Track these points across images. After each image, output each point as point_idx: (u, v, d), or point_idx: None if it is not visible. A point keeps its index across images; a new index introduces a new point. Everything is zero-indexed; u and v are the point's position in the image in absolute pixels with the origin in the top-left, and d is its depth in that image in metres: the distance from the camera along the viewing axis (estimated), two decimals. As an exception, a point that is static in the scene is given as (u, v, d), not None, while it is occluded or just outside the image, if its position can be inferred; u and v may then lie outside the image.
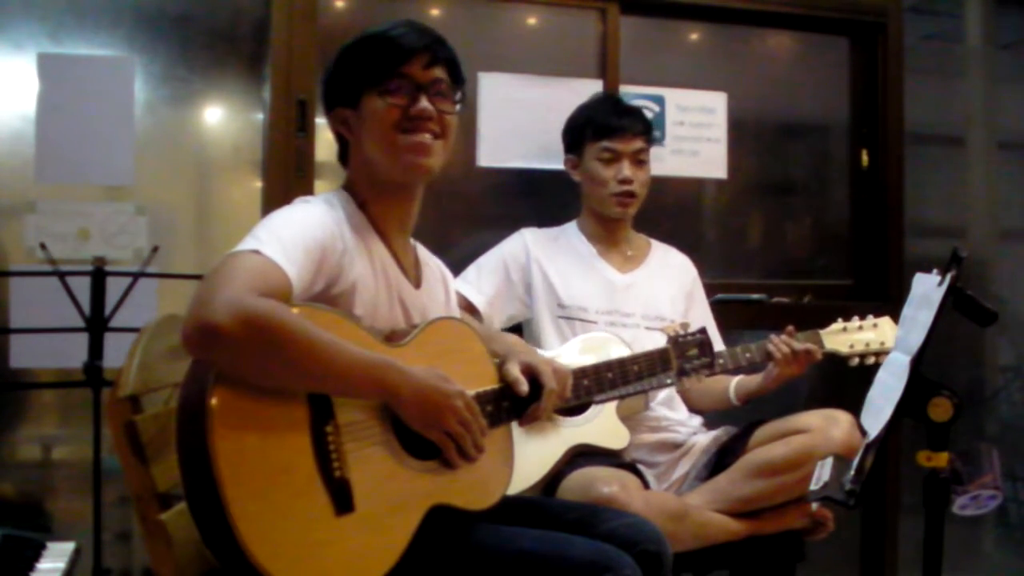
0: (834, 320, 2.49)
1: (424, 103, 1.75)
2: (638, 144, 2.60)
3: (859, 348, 2.43)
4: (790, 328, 2.42)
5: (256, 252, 1.50)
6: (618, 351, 2.34)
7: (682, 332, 2.29)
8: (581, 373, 2.00)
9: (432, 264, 1.98)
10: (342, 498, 1.51)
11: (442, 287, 1.98)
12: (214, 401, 1.41)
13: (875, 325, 2.46)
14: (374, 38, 1.77)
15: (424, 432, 1.62)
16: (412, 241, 1.92)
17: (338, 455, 1.52)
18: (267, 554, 1.41)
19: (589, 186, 2.64)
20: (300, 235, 1.58)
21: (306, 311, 1.53)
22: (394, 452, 1.61)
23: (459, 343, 1.81)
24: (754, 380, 2.47)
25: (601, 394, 2.14)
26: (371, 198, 1.80)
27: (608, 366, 2.09)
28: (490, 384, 1.80)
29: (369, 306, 1.71)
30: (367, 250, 1.73)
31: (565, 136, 2.69)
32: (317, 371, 1.49)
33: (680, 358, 2.26)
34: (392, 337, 1.72)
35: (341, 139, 1.85)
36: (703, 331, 2.31)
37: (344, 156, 1.86)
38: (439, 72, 1.79)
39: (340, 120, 1.81)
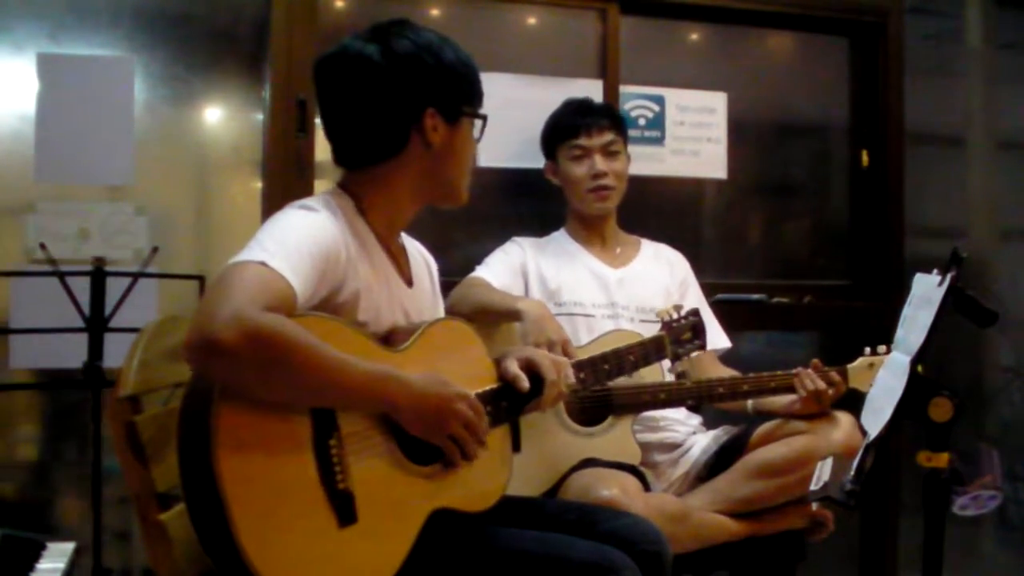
0: (863, 352, 2.41)
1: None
2: (607, 137, 2.63)
3: None
4: (815, 362, 2.39)
5: (262, 264, 1.48)
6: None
7: (675, 315, 2.30)
8: (578, 366, 2.00)
9: (417, 254, 1.96)
10: (345, 510, 1.51)
11: (427, 275, 1.97)
12: (218, 418, 1.41)
13: None
14: (470, 65, 1.82)
15: (427, 438, 1.62)
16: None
17: (341, 467, 1.52)
18: (270, 568, 1.41)
19: (567, 187, 2.68)
20: (306, 244, 1.56)
21: (305, 320, 1.52)
22: (396, 459, 1.61)
23: (458, 343, 1.81)
24: (776, 403, 2.46)
25: (598, 385, 2.14)
26: (377, 203, 1.77)
27: (604, 358, 2.10)
28: (489, 384, 1.79)
29: (372, 311, 1.70)
30: (368, 255, 1.73)
31: (541, 145, 2.75)
32: (320, 386, 1.49)
33: (674, 343, 2.28)
34: (391, 339, 1.72)
35: (396, 138, 1.75)
36: (695, 312, 2.33)
37: (373, 155, 1.77)
38: None
39: (432, 125, 1.75)
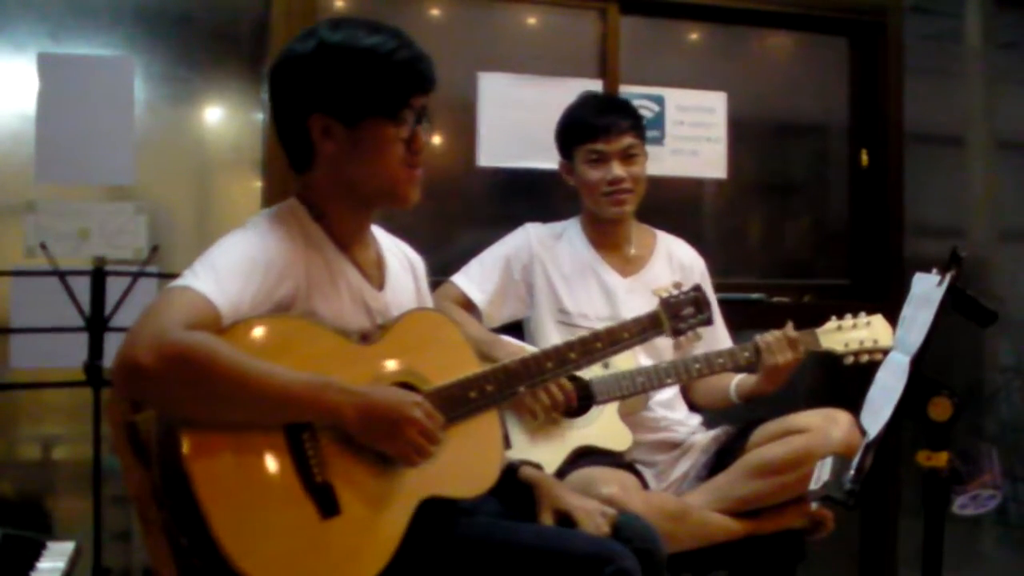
0: (830, 319, 2.47)
1: (423, 136, 1.70)
2: (626, 141, 2.51)
3: (853, 347, 2.43)
4: (789, 323, 2.41)
5: (187, 287, 1.49)
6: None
7: (674, 292, 2.15)
8: (567, 347, 1.92)
9: (398, 253, 1.92)
10: (326, 502, 1.52)
11: (410, 275, 1.93)
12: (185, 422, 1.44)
13: (868, 323, 2.46)
14: (388, 60, 1.64)
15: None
16: (372, 234, 1.85)
17: (317, 460, 1.52)
18: (257, 567, 1.43)
19: (582, 190, 2.58)
20: (237, 265, 1.55)
21: (265, 321, 1.54)
22: (378, 450, 1.60)
23: (435, 333, 1.80)
24: (752, 378, 2.45)
25: (590, 364, 2.03)
26: (332, 209, 1.72)
27: (596, 336, 1.98)
28: (471, 369, 1.76)
29: (336, 321, 1.67)
30: (325, 265, 1.69)
31: (556, 142, 2.64)
32: (248, 401, 1.47)
33: (673, 319, 2.13)
34: (365, 337, 1.70)
35: (304, 144, 1.69)
36: (697, 288, 2.19)
37: (301, 162, 1.72)
38: (427, 99, 1.72)
39: (322, 128, 1.66)
